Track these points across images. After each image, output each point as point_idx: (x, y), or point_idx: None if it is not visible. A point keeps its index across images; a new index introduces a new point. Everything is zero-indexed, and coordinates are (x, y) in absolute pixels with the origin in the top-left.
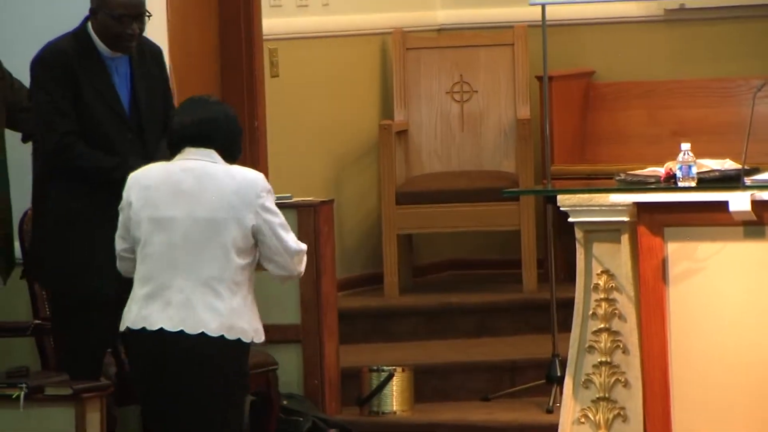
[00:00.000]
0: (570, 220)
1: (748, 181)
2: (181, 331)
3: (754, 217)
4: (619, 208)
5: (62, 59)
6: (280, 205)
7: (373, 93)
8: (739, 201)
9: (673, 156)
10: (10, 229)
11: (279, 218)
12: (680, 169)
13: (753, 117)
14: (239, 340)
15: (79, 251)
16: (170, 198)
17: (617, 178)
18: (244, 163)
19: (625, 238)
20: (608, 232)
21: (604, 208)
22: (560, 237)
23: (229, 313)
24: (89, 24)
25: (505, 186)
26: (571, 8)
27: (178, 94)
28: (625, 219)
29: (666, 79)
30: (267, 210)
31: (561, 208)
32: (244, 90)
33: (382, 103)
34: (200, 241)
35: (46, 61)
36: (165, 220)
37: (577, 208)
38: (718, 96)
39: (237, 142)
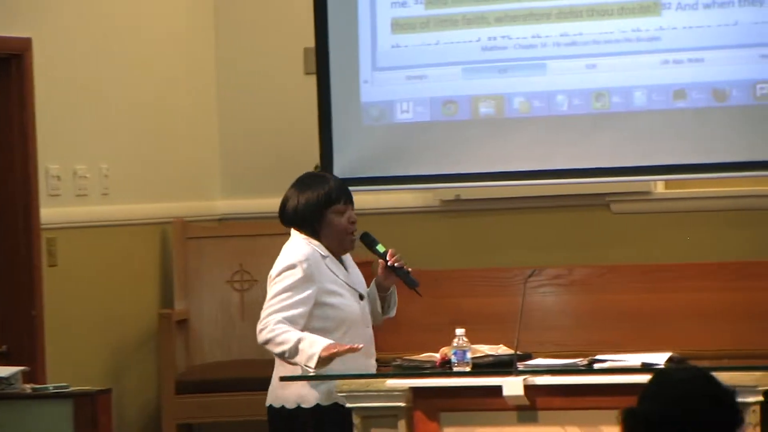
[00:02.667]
0: (347, 405)
1: (520, 366)
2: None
3: (527, 402)
4: (396, 393)
5: None
6: (55, 395)
7: (154, 282)
8: (512, 386)
9: (451, 342)
10: None
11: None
12: (455, 354)
13: (524, 305)
14: (283, 407)
15: None
16: None
17: (394, 363)
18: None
19: (402, 424)
20: (385, 417)
21: (380, 393)
22: None
23: (275, 383)
24: None
25: None
26: None
27: None
28: (402, 404)
29: (446, 268)
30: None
31: (339, 394)
32: (21, 279)
33: (163, 292)
34: None
35: None
36: None
37: (354, 394)
38: (494, 285)
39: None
